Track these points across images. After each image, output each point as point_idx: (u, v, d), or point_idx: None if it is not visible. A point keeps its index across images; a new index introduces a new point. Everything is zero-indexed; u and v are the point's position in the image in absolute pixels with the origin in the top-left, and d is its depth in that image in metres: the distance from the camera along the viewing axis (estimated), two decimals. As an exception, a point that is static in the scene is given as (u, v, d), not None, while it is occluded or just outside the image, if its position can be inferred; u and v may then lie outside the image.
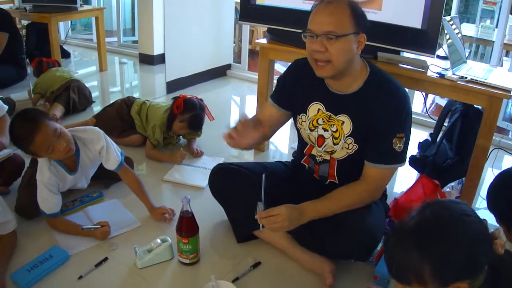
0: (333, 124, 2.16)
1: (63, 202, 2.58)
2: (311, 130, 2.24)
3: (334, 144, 2.17)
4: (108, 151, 2.56)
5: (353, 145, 2.14)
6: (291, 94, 2.28)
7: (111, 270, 2.25)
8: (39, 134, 2.25)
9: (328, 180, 2.30)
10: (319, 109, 2.20)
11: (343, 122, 2.13)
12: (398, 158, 2.08)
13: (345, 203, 2.11)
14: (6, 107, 3.17)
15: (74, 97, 4.13)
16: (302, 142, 2.38)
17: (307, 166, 2.37)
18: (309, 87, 2.18)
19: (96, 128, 2.62)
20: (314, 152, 2.29)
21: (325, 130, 2.19)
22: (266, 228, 2.10)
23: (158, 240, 2.30)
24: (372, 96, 2.06)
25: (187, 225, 2.18)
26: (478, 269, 1.25)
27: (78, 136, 2.53)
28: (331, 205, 2.11)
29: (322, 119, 2.19)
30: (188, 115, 3.32)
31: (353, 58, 2.01)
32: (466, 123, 2.92)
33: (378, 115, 2.04)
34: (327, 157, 2.24)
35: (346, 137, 2.13)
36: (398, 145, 2.04)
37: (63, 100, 4.07)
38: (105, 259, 2.30)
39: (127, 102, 3.66)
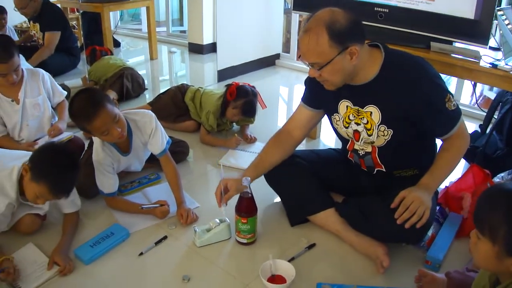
0: (363, 117, 2.18)
1: (121, 183, 2.67)
2: (346, 128, 2.28)
3: (369, 135, 2.20)
4: (156, 135, 2.60)
5: (387, 131, 2.15)
6: (320, 95, 2.30)
7: (170, 248, 2.34)
8: (99, 118, 2.28)
9: (376, 169, 2.33)
10: (347, 106, 2.23)
11: (371, 112, 2.15)
12: (458, 114, 2.10)
13: (453, 164, 2.16)
14: (66, 92, 3.32)
15: (127, 84, 4.25)
16: (343, 140, 2.42)
17: (353, 160, 2.41)
18: None
19: (149, 111, 2.67)
20: (356, 147, 2.32)
21: (358, 124, 2.22)
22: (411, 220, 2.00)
23: (217, 220, 2.36)
24: (392, 77, 2.07)
25: (247, 206, 2.24)
26: None
27: (132, 119, 2.58)
28: (443, 172, 2.14)
29: (352, 114, 2.22)
30: (241, 102, 3.37)
31: (351, 67, 2.03)
32: (518, 114, 2.90)
33: (406, 93, 2.04)
34: (369, 149, 2.27)
35: (378, 125, 2.15)
36: (451, 104, 2.05)
37: (116, 88, 4.18)
38: (165, 237, 2.38)
39: (181, 90, 3.72)
